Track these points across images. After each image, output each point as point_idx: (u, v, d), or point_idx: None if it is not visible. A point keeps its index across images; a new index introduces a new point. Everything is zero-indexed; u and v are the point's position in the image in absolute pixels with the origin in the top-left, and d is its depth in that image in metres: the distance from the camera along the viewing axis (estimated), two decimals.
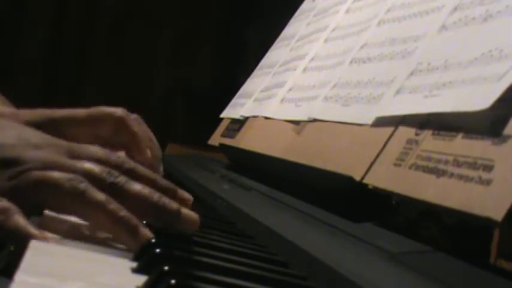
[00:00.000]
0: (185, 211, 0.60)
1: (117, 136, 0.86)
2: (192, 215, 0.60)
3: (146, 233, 0.55)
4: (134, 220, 0.55)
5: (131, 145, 0.86)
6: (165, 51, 2.50)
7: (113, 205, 0.55)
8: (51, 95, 2.37)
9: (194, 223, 0.60)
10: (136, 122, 0.90)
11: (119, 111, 0.87)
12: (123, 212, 0.55)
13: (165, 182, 0.62)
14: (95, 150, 0.61)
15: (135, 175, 0.60)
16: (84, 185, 0.55)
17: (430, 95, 0.64)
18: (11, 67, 2.34)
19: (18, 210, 0.53)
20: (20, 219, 0.53)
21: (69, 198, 0.55)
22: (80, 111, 0.87)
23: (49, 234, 0.53)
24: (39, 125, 0.83)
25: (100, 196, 0.55)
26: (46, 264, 0.47)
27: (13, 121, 0.72)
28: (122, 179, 0.58)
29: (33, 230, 0.52)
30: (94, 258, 0.52)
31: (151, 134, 0.92)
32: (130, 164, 0.61)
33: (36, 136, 0.61)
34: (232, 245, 0.59)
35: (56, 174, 0.56)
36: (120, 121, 0.86)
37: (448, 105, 0.61)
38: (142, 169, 0.62)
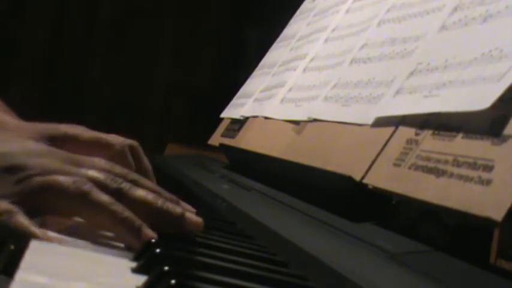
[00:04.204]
0: (189, 215, 0.60)
1: None
2: (196, 218, 0.61)
3: (149, 233, 0.56)
4: (138, 221, 0.56)
5: None
6: (166, 51, 2.50)
7: (117, 206, 0.56)
8: (52, 95, 2.37)
9: (198, 226, 0.60)
10: (135, 152, 0.91)
11: (119, 143, 0.88)
12: (127, 213, 0.56)
13: (168, 194, 0.63)
14: (99, 160, 0.62)
15: (138, 185, 0.61)
16: (88, 186, 0.56)
17: (430, 95, 0.64)
18: (11, 67, 2.34)
19: (21, 210, 0.53)
20: (22, 219, 0.53)
21: (73, 200, 0.56)
22: (83, 133, 0.88)
23: (50, 234, 0.53)
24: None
25: (104, 197, 0.56)
26: (46, 264, 0.47)
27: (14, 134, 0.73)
28: (126, 185, 0.59)
29: (34, 229, 0.52)
30: (94, 258, 0.52)
31: (148, 167, 0.94)
32: (134, 175, 0.62)
33: (40, 146, 0.62)
34: (232, 245, 0.59)
35: (60, 178, 0.56)
36: (118, 154, 0.88)
37: (448, 105, 0.61)
38: (145, 180, 0.62)
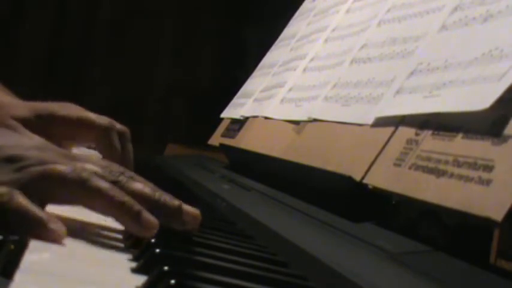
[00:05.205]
0: (186, 207, 0.60)
1: (97, 145, 0.92)
2: (194, 210, 0.60)
3: (149, 217, 0.56)
4: (137, 205, 0.56)
5: (107, 158, 0.90)
6: (166, 51, 2.50)
7: (116, 191, 0.56)
8: (52, 95, 2.37)
9: (196, 218, 0.60)
10: (122, 136, 0.93)
11: (105, 122, 0.91)
12: (126, 198, 0.56)
13: (163, 192, 0.63)
14: (95, 158, 0.62)
15: (135, 180, 0.61)
16: (87, 173, 0.56)
17: (430, 95, 0.64)
18: (11, 67, 2.34)
19: (21, 193, 0.53)
20: (23, 200, 0.53)
21: (73, 187, 0.56)
22: (70, 113, 0.90)
23: (54, 219, 0.53)
24: (27, 120, 0.85)
25: (103, 183, 0.56)
26: (45, 264, 0.47)
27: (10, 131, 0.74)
28: (123, 178, 0.59)
29: (36, 209, 0.52)
30: (94, 258, 0.52)
31: (130, 153, 0.95)
32: (130, 172, 0.62)
33: (36, 141, 0.62)
34: (232, 245, 0.59)
35: (59, 166, 0.56)
36: (103, 133, 0.90)
37: (448, 105, 0.61)
38: (141, 178, 0.62)
